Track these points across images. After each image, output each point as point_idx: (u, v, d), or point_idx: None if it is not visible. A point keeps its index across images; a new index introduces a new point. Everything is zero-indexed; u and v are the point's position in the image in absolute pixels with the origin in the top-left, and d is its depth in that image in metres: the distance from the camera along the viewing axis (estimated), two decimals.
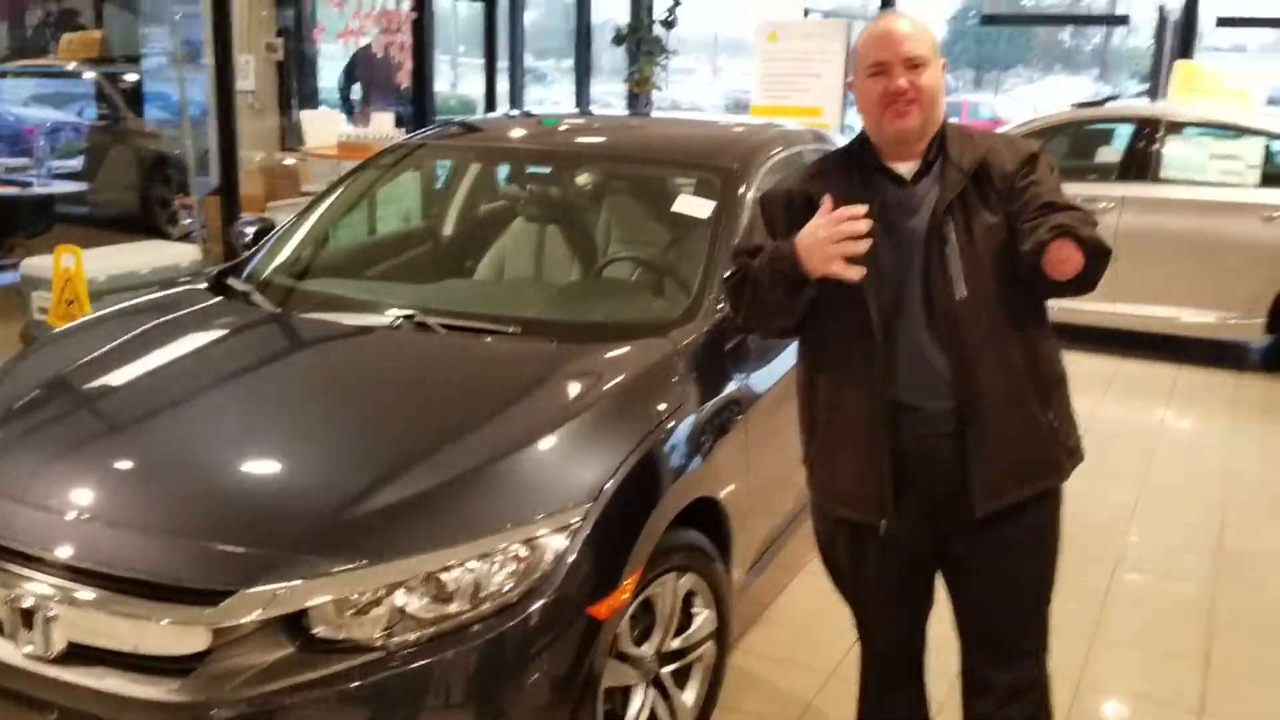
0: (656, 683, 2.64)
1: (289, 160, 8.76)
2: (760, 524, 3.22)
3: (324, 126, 8.49)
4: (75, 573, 2.23)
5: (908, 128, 2.14)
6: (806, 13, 13.25)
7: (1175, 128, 7.00)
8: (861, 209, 2.03)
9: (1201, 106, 7.19)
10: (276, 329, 3.24)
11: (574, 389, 2.75)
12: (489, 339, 3.01)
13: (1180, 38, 11.52)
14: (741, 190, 3.37)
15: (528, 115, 4.89)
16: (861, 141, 2.26)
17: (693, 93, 22.51)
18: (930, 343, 2.14)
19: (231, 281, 3.49)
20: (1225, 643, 3.58)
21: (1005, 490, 2.18)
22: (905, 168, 2.20)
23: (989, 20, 16.33)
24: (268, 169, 8.67)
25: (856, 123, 2.32)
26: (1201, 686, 3.34)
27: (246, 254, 3.73)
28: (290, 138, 9.22)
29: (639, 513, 2.45)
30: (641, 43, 11.59)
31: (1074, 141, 7.65)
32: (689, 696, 2.77)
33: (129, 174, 10.05)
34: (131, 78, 10.42)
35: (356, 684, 2.10)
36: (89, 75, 10.46)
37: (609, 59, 15.54)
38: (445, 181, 4.38)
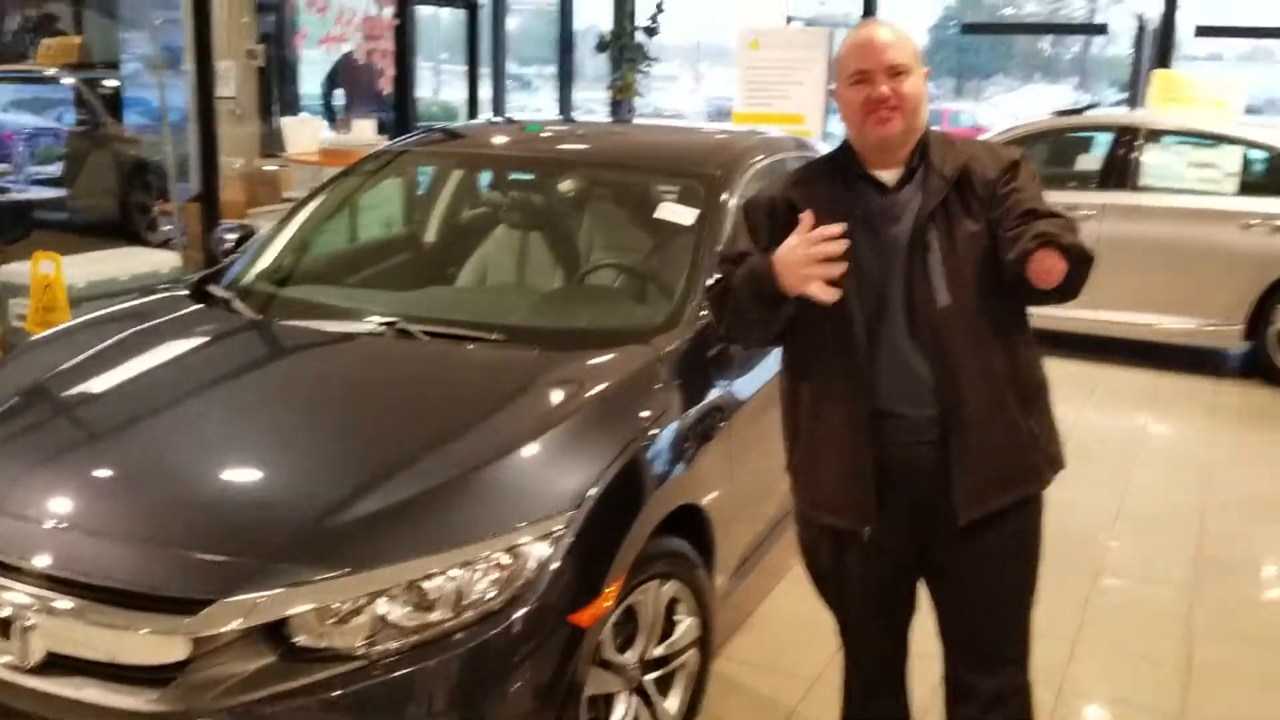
0: (639, 690, 2.63)
1: (270, 166, 8.72)
2: (743, 531, 3.22)
3: (305, 133, 8.46)
4: (53, 582, 2.21)
5: (890, 134, 2.15)
6: (789, 20, 13.32)
7: (1154, 136, 7.05)
8: (838, 229, 2.04)
9: (1180, 115, 7.25)
10: (257, 336, 3.22)
11: (556, 396, 2.75)
12: (471, 346, 3.00)
13: (1158, 47, 11.62)
14: (725, 197, 3.37)
15: (510, 122, 4.89)
16: (845, 149, 2.27)
17: (675, 100, 22.54)
18: (912, 350, 2.15)
19: (212, 288, 3.47)
20: (1205, 648, 3.60)
21: (987, 497, 2.18)
22: (888, 175, 2.21)
23: (970, 29, 16.45)
24: (248, 175, 8.63)
25: (838, 130, 2.33)
26: (1181, 692, 3.36)
27: (227, 261, 3.72)
28: (271, 144, 9.18)
29: (622, 520, 2.45)
30: (624, 50, 11.60)
31: (1054, 149, 7.70)
32: (672, 704, 2.76)
33: (108, 180, 9.99)
34: (111, 83, 10.36)
35: (338, 693, 2.09)
36: (68, 81, 10.40)
37: (592, 66, 15.54)
38: (428, 188, 4.37)
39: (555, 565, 2.26)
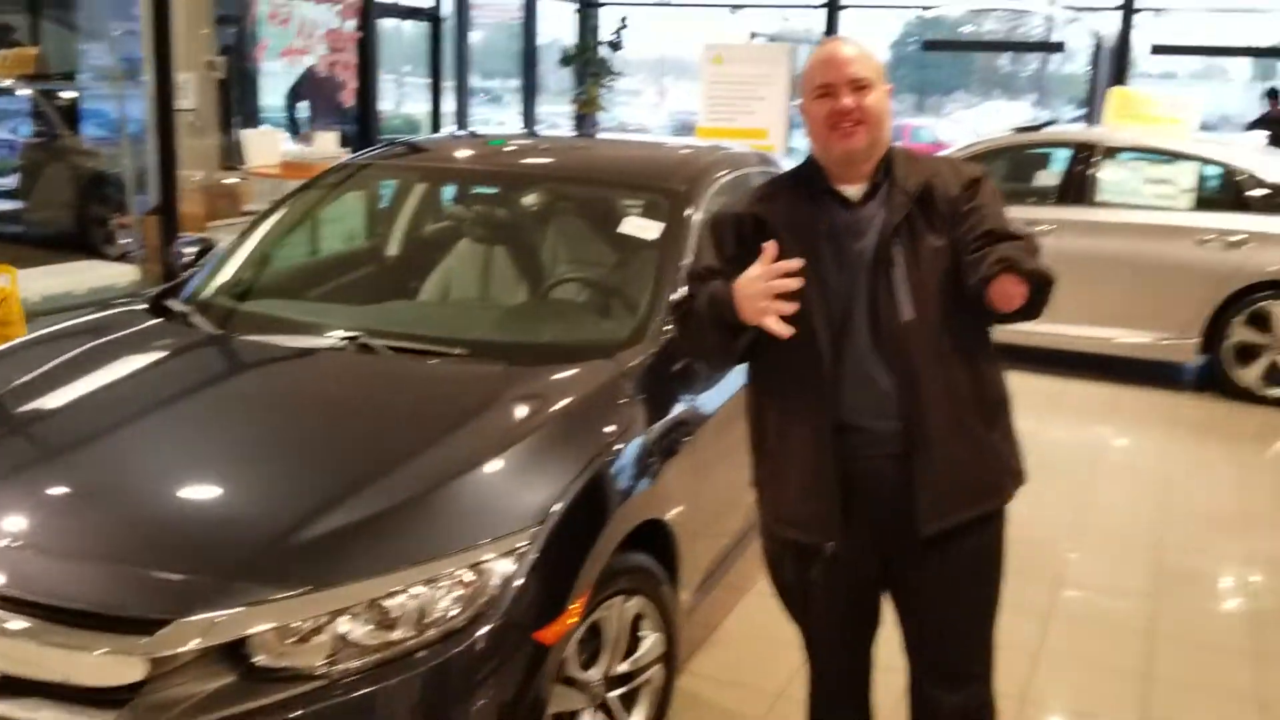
0: (604, 707, 2.62)
1: (230, 179, 8.65)
2: (708, 545, 3.22)
3: (266, 145, 8.41)
4: (6, 602, 2.16)
5: (854, 148, 2.17)
6: (752, 36, 13.42)
7: (1111, 152, 7.15)
8: (798, 263, 2.06)
9: (1136, 132, 7.35)
10: (217, 351, 3.19)
11: (520, 411, 2.73)
12: (434, 361, 2.98)
13: (1115, 65, 11.82)
14: (689, 212, 3.38)
15: (474, 136, 4.87)
16: (810, 164, 2.28)
17: (639, 114, 22.60)
18: (876, 364, 2.16)
19: (170, 303, 3.43)
20: (1165, 659, 3.64)
21: (949, 511, 2.20)
22: (853, 190, 2.22)
23: (930, 46, 16.62)
24: (208, 188, 8.55)
25: (802, 145, 2.35)
26: (1143, 704, 3.39)
27: (186, 274, 3.67)
28: (232, 156, 9.11)
29: (586, 536, 2.44)
30: (588, 64, 11.65)
31: (1013, 165, 7.79)
32: None
33: (65, 192, 9.86)
34: (69, 95, 10.24)
35: (298, 713, 2.05)
36: (24, 92, 10.26)
37: (555, 80, 15.56)
38: (390, 202, 4.35)
39: (519, 582, 2.24)
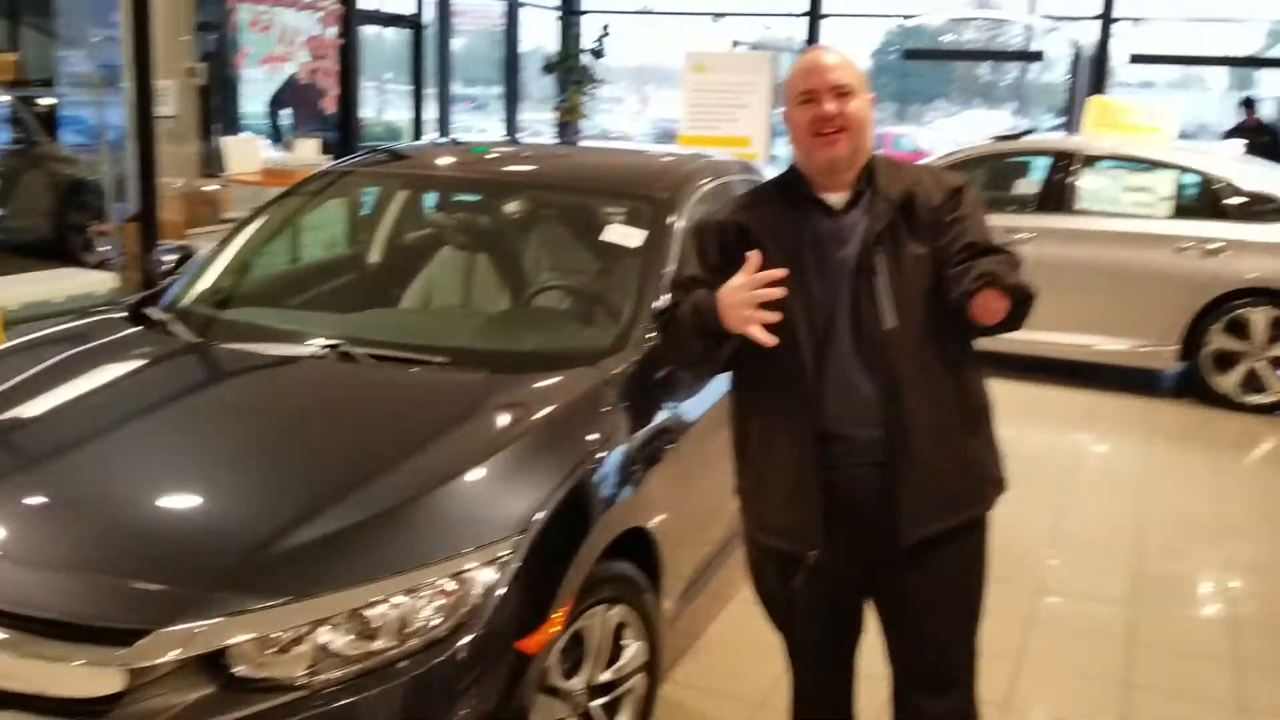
0: (586, 716, 2.60)
1: (210, 186, 8.61)
2: (691, 553, 3.21)
3: (246, 152, 8.37)
4: None
5: (837, 156, 2.18)
6: (734, 44, 13.45)
7: (1090, 161, 7.19)
8: (781, 273, 2.06)
9: (1115, 140, 7.40)
10: (196, 360, 3.17)
11: (503, 420, 2.72)
12: (416, 369, 2.97)
13: (1093, 74, 11.91)
14: (672, 220, 3.38)
15: (456, 143, 4.86)
16: (792, 172, 2.29)
17: (621, 122, 22.64)
18: (859, 372, 2.17)
19: (150, 310, 3.41)
20: (1145, 666, 3.65)
21: (931, 519, 2.20)
22: (835, 198, 2.23)
23: (911, 55, 16.70)
24: (188, 195, 8.50)
25: (784, 153, 2.36)
26: (1124, 710, 3.40)
27: (165, 282, 3.65)
28: (212, 164, 9.07)
29: (569, 544, 2.43)
30: (570, 71, 11.65)
31: (993, 173, 7.82)
32: None
33: (44, 199, 9.79)
34: (47, 101, 10.18)
35: None
36: (3, 99, 10.19)
37: (538, 87, 15.57)
38: (372, 209, 4.34)
39: (501, 591, 2.23)
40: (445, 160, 4.29)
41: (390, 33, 13.74)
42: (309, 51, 7.75)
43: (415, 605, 2.16)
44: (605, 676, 2.67)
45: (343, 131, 8.69)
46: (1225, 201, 6.81)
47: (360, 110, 9.46)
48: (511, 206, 4.10)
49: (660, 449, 2.91)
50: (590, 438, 2.69)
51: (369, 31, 12.24)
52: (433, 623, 2.16)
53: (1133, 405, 6.82)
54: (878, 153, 2.28)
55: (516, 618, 2.25)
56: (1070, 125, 11.69)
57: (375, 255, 4.19)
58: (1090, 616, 4.01)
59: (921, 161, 6.09)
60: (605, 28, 11.46)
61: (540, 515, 2.37)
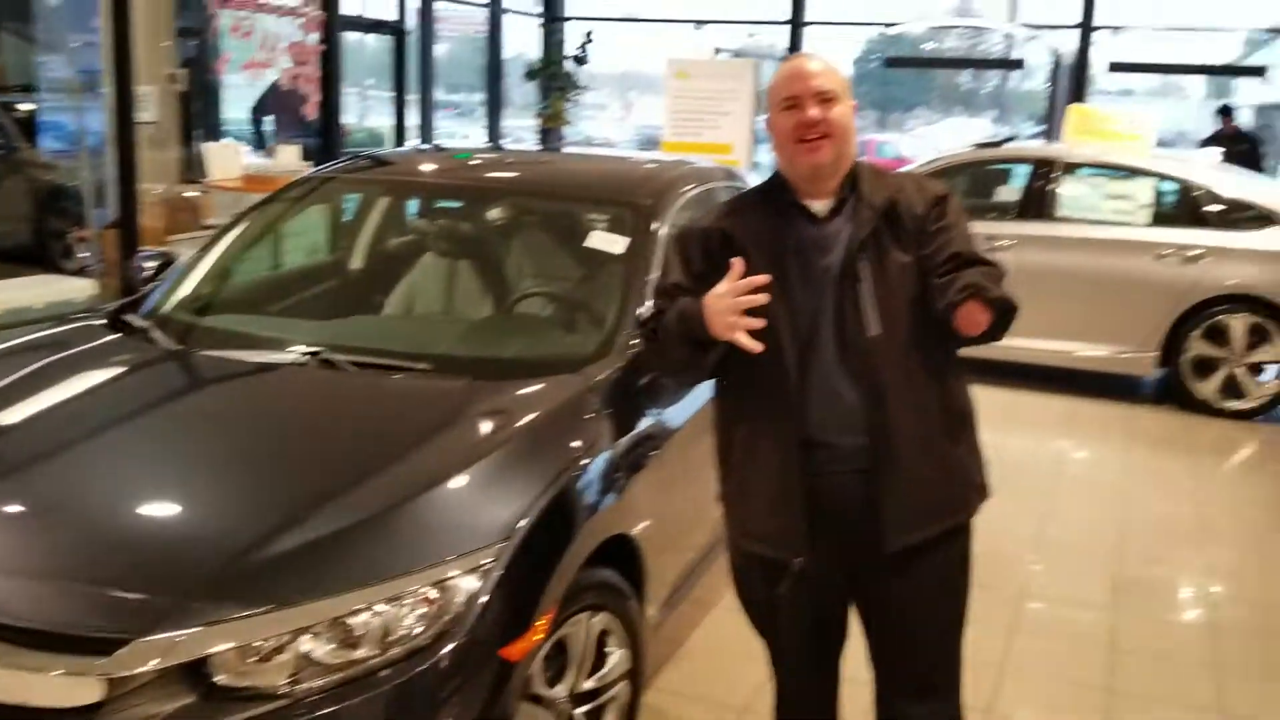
0: None
1: (190, 193, 8.57)
2: (674, 560, 3.21)
3: (227, 159, 8.34)
4: None
5: (821, 162, 2.18)
6: (717, 51, 13.49)
7: (1070, 168, 7.24)
8: (765, 279, 2.06)
9: (1095, 148, 7.45)
10: (176, 367, 3.15)
11: (486, 427, 2.72)
12: (398, 376, 2.96)
13: (1073, 82, 11.98)
14: (655, 226, 3.38)
15: (438, 149, 4.85)
16: (776, 179, 2.29)
17: (604, 128, 22.65)
18: (843, 379, 2.17)
19: (130, 317, 3.38)
20: (1126, 670, 3.67)
21: (915, 527, 2.20)
22: (819, 205, 2.24)
23: (892, 63, 16.77)
24: (168, 201, 8.46)
25: (767, 160, 2.37)
26: (1106, 716, 3.41)
27: (146, 289, 3.63)
28: (193, 170, 9.03)
29: (552, 552, 2.42)
30: (553, 78, 11.65)
31: (975, 181, 7.86)
32: None
33: (22, 205, 9.72)
34: (26, 107, 10.11)
35: None
36: None
37: (520, 94, 15.57)
38: (354, 215, 4.32)
39: (484, 599, 2.22)
40: (428, 166, 4.28)
41: (372, 39, 13.72)
42: (290, 57, 7.72)
43: (398, 613, 2.15)
44: (588, 684, 2.66)
45: (324, 138, 8.66)
46: (1204, 209, 6.86)
47: (343, 116, 9.43)
48: (494, 213, 4.09)
49: (644, 456, 2.91)
50: (573, 445, 2.68)
51: (351, 38, 12.22)
52: (415, 631, 2.15)
53: (1113, 411, 6.86)
54: (861, 160, 2.28)
55: (499, 626, 2.24)
56: (1050, 133, 11.76)
57: (357, 262, 4.18)
58: (1072, 622, 4.02)
59: (903, 169, 6.13)
60: (589, 34, 11.46)
61: (523, 523, 2.36)
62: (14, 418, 2.78)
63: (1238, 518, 5.23)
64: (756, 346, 2.07)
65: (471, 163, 4.20)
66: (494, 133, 13.98)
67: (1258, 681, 3.66)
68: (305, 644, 2.09)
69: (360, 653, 2.11)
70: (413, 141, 12.20)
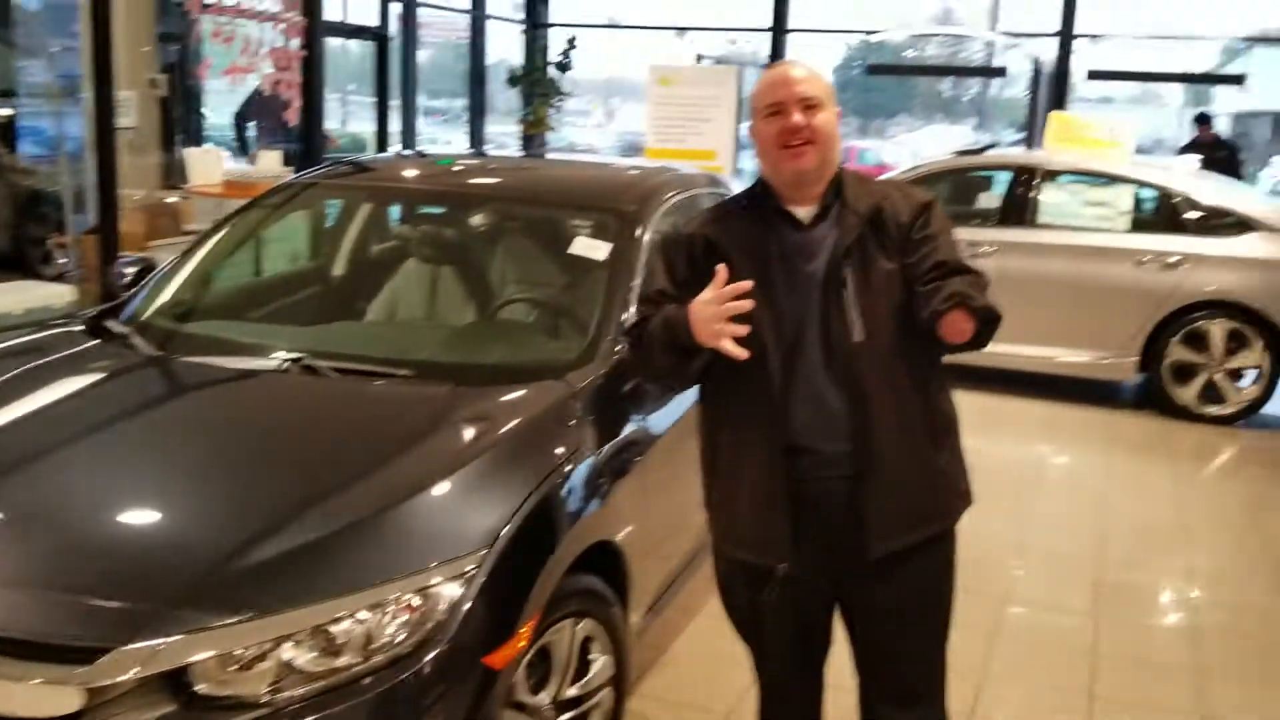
0: None
1: (171, 198, 8.52)
2: (658, 567, 3.21)
3: (208, 164, 8.29)
4: None
5: (805, 168, 2.19)
6: (699, 58, 13.51)
7: (1051, 175, 7.29)
8: (749, 285, 2.07)
9: (1075, 155, 7.50)
10: (157, 373, 3.13)
11: (469, 433, 2.71)
12: (380, 382, 2.94)
13: (1053, 89, 12.06)
14: (639, 232, 3.38)
15: (421, 155, 4.84)
16: (761, 185, 2.30)
17: (587, 135, 22.68)
18: (828, 385, 2.17)
19: (110, 323, 3.36)
20: (1107, 676, 3.68)
21: (898, 534, 2.21)
22: (804, 211, 2.24)
23: (874, 70, 16.84)
24: (149, 207, 8.42)
25: (750, 166, 2.38)
26: (1086, 718, 3.42)
27: (126, 295, 3.61)
28: (173, 175, 8.99)
29: (536, 559, 2.41)
30: (536, 84, 11.64)
31: (956, 188, 7.90)
32: None
33: (1, 211, 9.66)
34: (5, 112, 10.05)
35: None
36: None
37: (503, 100, 15.56)
38: (336, 221, 4.31)
39: (468, 606, 2.21)
40: (410, 172, 4.27)
41: (355, 44, 13.69)
42: (272, 63, 7.69)
43: (380, 621, 2.14)
44: (572, 691, 2.65)
45: (306, 143, 8.63)
46: (1184, 216, 6.91)
47: (325, 122, 9.39)
48: (477, 219, 4.09)
49: (627, 462, 2.91)
50: (557, 451, 2.68)
51: (333, 43, 12.19)
52: (398, 639, 2.14)
53: (1094, 417, 6.90)
54: (845, 167, 2.29)
55: (483, 633, 2.23)
56: (1031, 140, 11.83)
57: (339, 268, 4.16)
58: (1054, 627, 4.04)
59: (885, 176, 6.15)
60: (571, 41, 11.47)
61: (507, 529, 2.35)
62: None
63: (1217, 523, 5.26)
64: (742, 354, 2.07)
65: (454, 169, 4.20)
66: (477, 138, 13.96)
67: (1237, 685, 3.68)
68: (287, 652, 2.08)
69: (342, 661, 2.10)
70: (395, 147, 12.18)
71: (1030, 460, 6.09)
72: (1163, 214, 7.04)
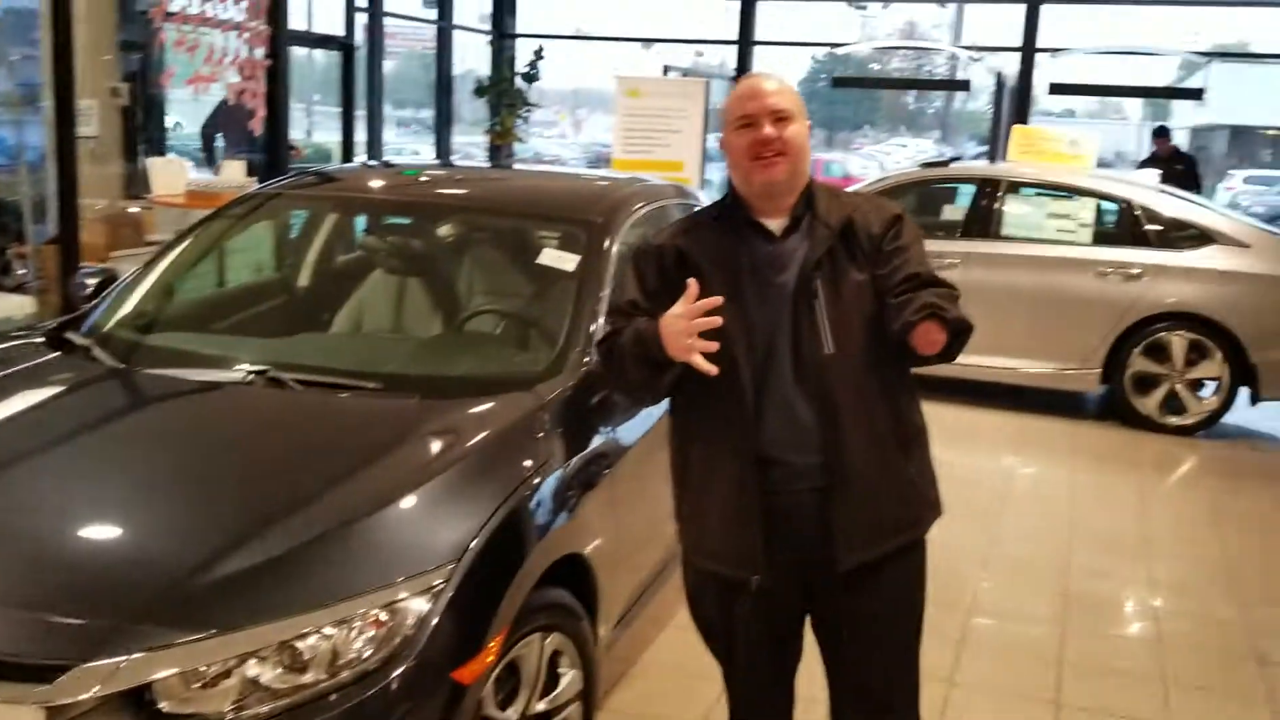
0: None
1: (133, 209, 8.43)
2: (627, 579, 3.19)
3: (171, 174, 8.21)
4: None
5: (775, 179, 2.19)
6: (666, 70, 13.55)
7: (1014, 188, 7.36)
8: (720, 301, 2.07)
9: (1038, 168, 7.58)
10: (119, 385, 3.08)
11: (436, 446, 2.69)
12: (346, 395, 2.92)
13: (1016, 103, 12.19)
14: (607, 244, 3.37)
15: (387, 166, 4.82)
16: (731, 197, 2.30)
17: (554, 145, 22.68)
18: (798, 397, 2.17)
19: (71, 335, 3.31)
20: (1073, 685, 3.70)
21: (868, 545, 2.21)
22: (775, 223, 2.25)
23: (839, 83, 16.95)
24: (110, 217, 8.32)
25: (717, 177, 2.38)
26: None
27: (87, 306, 3.56)
28: (136, 185, 8.89)
29: (504, 572, 2.40)
30: (503, 95, 11.62)
31: (921, 199, 7.97)
32: None
33: None
34: None
35: None
36: None
37: (469, 110, 15.53)
38: (301, 232, 4.27)
39: (435, 621, 2.19)
40: (376, 183, 4.25)
41: (320, 54, 13.62)
42: (237, 72, 7.64)
43: (347, 636, 2.11)
44: (540, 706, 2.63)
45: (270, 153, 8.56)
46: (1145, 228, 7.00)
47: (290, 132, 9.32)
48: (444, 230, 4.07)
49: (596, 474, 2.90)
50: (525, 463, 2.66)
51: (299, 53, 12.12)
52: (365, 654, 2.11)
53: (1058, 427, 6.96)
54: (816, 179, 2.30)
55: (451, 648, 2.21)
56: (994, 153, 11.95)
57: (305, 279, 4.12)
58: (1020, 637, 4.06)
59: (853, 188, 6.19)
60: (538, 51, 11.46)
61: (474, 543, 2.33)
62: None
63: (1178, 533, 5.32)
64: (712, 370, 2.07)
65: (421, 179, 4.18)
66: (443, 149, 13.91)
67: (1199, 693, 3.71)
68: (252, 669, 2.05)
69: (308, 677, 2.07)
70: (361, 157, 12.11)
71: (997, 471, 6.14)
72: (1124, 226, 7.13)
